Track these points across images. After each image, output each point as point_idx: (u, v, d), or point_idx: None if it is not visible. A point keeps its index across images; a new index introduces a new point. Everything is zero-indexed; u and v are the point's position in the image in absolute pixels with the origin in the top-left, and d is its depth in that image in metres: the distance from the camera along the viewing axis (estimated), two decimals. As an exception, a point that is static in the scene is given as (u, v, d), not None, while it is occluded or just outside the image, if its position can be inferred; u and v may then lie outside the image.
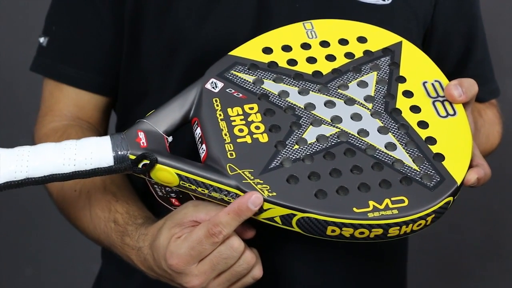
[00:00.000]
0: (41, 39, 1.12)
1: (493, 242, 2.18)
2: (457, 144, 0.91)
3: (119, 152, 0.88)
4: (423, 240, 2.15)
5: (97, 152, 0.88)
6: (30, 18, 1.77)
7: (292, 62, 0.97)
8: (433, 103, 0.95)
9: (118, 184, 1.04)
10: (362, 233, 0.85)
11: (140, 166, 0.88)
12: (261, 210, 0.86)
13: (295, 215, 0.86)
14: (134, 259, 0.96)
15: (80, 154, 0.88)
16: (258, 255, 0.92)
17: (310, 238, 0.97)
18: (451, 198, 0.87)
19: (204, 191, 0.88)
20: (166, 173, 0.88)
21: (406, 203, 0.86)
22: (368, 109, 0.94)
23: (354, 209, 0.85)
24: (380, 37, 1.01)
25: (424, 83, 0.96)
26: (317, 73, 0.97)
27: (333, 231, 0.86)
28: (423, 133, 0.92)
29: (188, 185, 0.89)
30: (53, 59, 1.11)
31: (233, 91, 0.94)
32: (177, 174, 0.88)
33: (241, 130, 0.91)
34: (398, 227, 0.85)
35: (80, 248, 1.98)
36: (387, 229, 0.85)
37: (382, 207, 0.85)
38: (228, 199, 0.88)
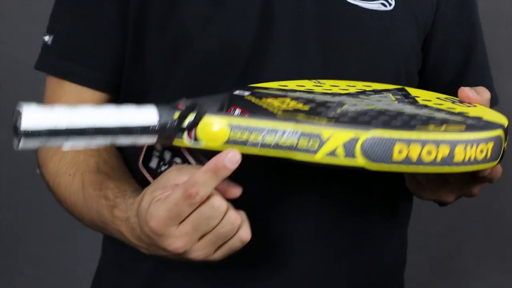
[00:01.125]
0: (46, 38, 1.12)
1: (493, 242, 2.18)
2: (488, 112, 0.94)
3: (164, 111, 0.85)
4: (423, 240, 2.15)
5: (142, 112, 0.85)
6: (31, 18, 1.77)
7: (310, 91, 0.98)
8: (452, 102, 0.97)
9: (112, 165, 1.04)
10: (429, 152, 0.83)
11: (186, 123, 0.85)
12: (321, 142, 0.84)
13: (358, 138, 0.83)
14: (124, 231, 0.94)
15: (124, 113, 0.85)
16: (245, 216, 0.89)
17: (307, 202, 0.99)
18: (502, 133, 0.87)
19: (257, 138, 0.85)
20: (215, 125, 0.85)
21: (464, 128, 0.86)
22: (396, 105, 0.95)
23: (417, 127, 0.85)
24: (383, 85, 1.03)
25: (437, 98, 0.99)
26: (335, 94, 0.98)
27: (400, 151, 0.83)
28: (454, 111, 0.93)
29: (240, 135, 0.85)
30: (57, 57, 1.11)
31: (262, 93, 0.95)
32: (228, 124, 0.85)
33: (281, 103, 0.91)
34: (464, 146, 0.84)
35: (80, 248, 1.98)
36: (453, 148, 0.83)
37: (442, 129, 0.85)
38: (283, 142, 0.85)
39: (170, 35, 1.06)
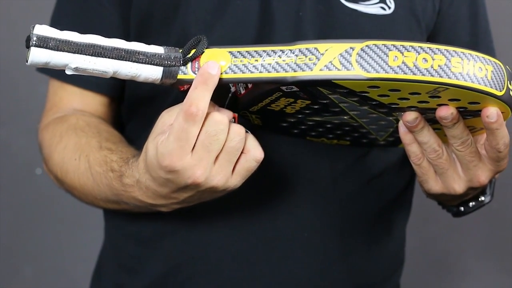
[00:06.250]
0: None
1: (493, 242, 2.18)
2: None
3: (170, 48, 0.90)
4: (422, 239, 2.16)
5: (149, 46, 0.90)
6: (30, 18, 1.77)
7: None
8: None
9: (113, 141, 1.04)
10: (425, 60, 0.84)
11: (190, 54, 0.89)
12: (318, 56, 0.86)
13: (354, 48, 0.85)
14: (138, 195, 0.95)
15: (133, 43, 0.89)
16: (251, 135, 0.90)
17: (308, 208, 1.01)
18: (502, 65, 0.87)
19: (257, 60, 0.88)
20: (217, 54, 0.89)
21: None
22: None
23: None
24: None
25: None
26: None
27: (395, 58, 0.84)
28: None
29: (240, 60, 0.89)
30: None
31: None
32: (229, 52, 0.89)
33: None
34: (459, 59, 0.84)
35: (80, 248, 1.99)
36: (450, 58, 0.84)
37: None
38: (283, 61, 0.88)
39: (172, 40, 1.06)
